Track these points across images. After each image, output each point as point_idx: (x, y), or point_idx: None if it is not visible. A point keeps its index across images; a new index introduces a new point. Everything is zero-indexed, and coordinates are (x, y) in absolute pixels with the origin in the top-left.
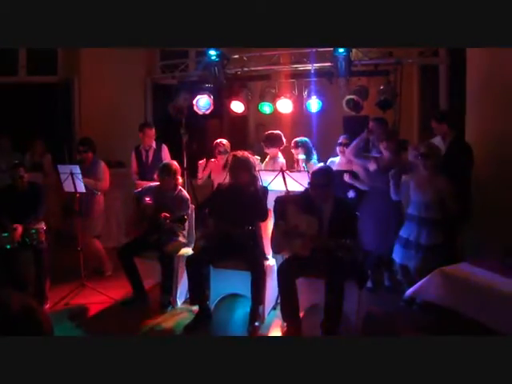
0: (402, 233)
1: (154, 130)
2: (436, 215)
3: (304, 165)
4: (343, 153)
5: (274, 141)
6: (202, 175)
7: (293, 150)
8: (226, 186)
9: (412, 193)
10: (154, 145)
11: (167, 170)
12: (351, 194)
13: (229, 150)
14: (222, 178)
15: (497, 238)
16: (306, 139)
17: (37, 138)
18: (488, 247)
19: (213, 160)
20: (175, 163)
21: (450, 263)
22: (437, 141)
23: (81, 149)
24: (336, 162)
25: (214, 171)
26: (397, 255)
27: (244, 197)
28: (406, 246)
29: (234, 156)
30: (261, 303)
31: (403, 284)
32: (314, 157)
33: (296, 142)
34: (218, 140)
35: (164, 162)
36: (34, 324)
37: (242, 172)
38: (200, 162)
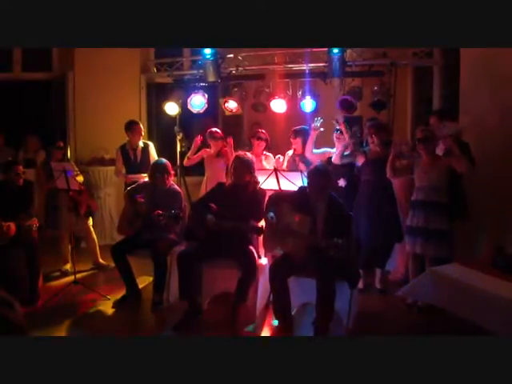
0: (409, 221)
1: (141, 126)
2: (443, 199)
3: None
4: (339, 139)
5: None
6: (192, 155)
7: (291, 140)
8: (227, 185)
9: (416, 179)
10: (141, 143)
11: (160, 168)
12: (341, 182)
13: (223, 137)
14: (214, 166)
15: (487, 238)
16: (304, 127)
17: (31, 134)
18: (479, 247)
19: (207, 150)
20: (166, 160)
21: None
22: None
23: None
24: (333, 151)
25: (207, 159)
26: (408, 245)
27: (243, 197)
28: (414, 234)
29: (237, 157)
30: (245, 300)
31: (396, 285)
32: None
33: (295, 131)
34: (213, 129)
35: (156, 159)
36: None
37: (245, 173)
38: (197, 138)
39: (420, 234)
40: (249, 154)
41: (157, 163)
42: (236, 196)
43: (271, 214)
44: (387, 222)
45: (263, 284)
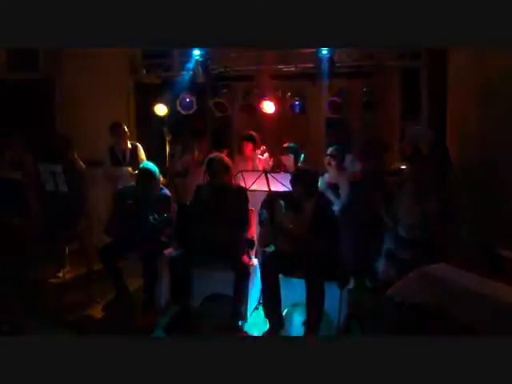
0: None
1: (126, 128)
2: (419, 235)
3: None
4: (330, 165)
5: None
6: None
7: (282, 158)
8: (206, 187)
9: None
10: (129, 144)
11: (145, 174)
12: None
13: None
14: (198, 171)
15: (474, 238)
16: (293, 145)
17: (17, 136)
18: (466, 247)
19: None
20: (152, 165)
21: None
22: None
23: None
24: (325, 179)
25: (193, 165)
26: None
27: (225, 198)
28: (386, 257)
29: (211, 158)
30: (243, 303)
31: (385, 285)
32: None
33: (286, 149)
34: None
35: (142, 165)
36: None
37: (221, 173)
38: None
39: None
40: (223, 155)
41: (142, 168)
42: (217, 198)
43: (264, 215)
44: (373, 241)
45: (254, 285)
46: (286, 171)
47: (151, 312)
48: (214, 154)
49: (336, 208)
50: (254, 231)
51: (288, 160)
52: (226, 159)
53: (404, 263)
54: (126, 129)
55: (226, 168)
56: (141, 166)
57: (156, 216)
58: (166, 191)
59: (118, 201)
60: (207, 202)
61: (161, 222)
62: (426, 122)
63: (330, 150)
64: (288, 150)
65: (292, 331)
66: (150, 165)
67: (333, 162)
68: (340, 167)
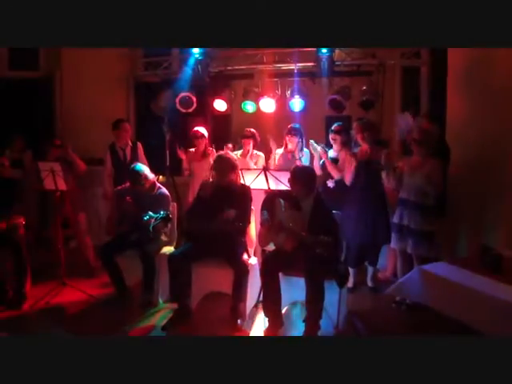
0: (394, 219)
1: (129, 125)
2: (430, 200)
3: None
4: (335, 140)
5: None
6: (187, 166)
7: (287, 138)
8: (211, 185)
9: (405, 177)
10: (130, 142)
11: (134, 175)
12: (330, 183)
13: (206, 136)
14: (200, 166)
15: (475, 237)
16: (299, 126)
17: (17, 133)
18: (466, 246)
19: (191, 150)
20: (141, 166)
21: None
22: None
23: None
24: (330, 153)
25: (194, 160)
26: (393, 242)
27: (229, 197)
28: (399, 232)
29: (218, 156)
30: (242, 301)
31: (386, 284)
32: (305, 150)
33: (292, 129)
34: (194, 128)
35: (131, 166)
36: None
37: (227, 172)
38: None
39: (411, 234)
40: (230, 153)
41: (130, 170)
42: (221, 196)
43: (265, 215)
44: (377, 222)
45: (253, 284)
46: (289, 151)
47: (150, 310)
48: (222, 152)
49: (331, 184)
50: (250, 229)
51: (293, 141)
52: (233, 158)
53: (411, 231)
54: (129, 125)
55: (233, 167)
56: (130, 167)
57: (152, 214)
58: (164, 190)
59: (117, 200)
60: (211, 199)
61: (157, 220)
62: (425, 121)
63: (334, 126)
64: (294, 131)
65: (291, 329)
66: (139, 166)
67: (338, 137)
68: (345, 142)
